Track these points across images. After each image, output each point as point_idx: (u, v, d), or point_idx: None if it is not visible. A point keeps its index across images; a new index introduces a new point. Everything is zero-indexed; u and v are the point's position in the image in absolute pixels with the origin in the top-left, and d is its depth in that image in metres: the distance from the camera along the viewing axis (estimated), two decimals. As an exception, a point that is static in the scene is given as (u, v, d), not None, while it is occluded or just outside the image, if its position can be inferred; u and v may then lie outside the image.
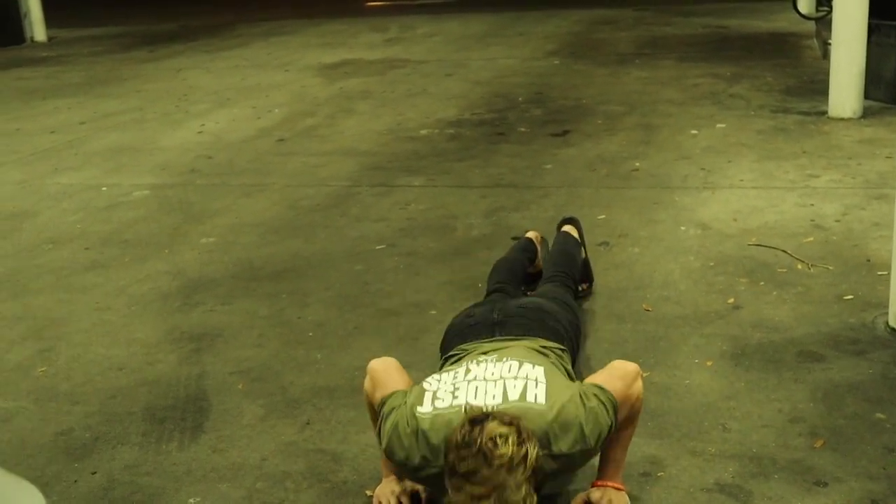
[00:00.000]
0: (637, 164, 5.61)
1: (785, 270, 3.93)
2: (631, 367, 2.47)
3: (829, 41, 6.64)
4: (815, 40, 9.44)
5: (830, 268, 3.93)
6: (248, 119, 7.57)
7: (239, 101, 8.39)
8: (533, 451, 2.08)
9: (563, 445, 2.24)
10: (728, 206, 4.76)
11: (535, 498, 2.10)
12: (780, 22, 11.09)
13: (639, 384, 2.44)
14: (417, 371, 3.09)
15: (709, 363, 3.20)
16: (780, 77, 7.90)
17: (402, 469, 2.38)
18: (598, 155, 5.86)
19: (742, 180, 5.16)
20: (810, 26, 10.13)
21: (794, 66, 8.39)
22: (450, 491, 2.10)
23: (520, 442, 2.06)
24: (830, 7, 7.59)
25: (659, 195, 5.00)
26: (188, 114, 7.93)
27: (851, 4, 6.17)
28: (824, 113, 6.48)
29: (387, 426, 2.33)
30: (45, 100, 9.04)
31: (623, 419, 2.40)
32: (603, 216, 4.71)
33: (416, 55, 10.44)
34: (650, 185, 5.18)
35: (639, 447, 2.71)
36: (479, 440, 2.04)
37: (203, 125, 7.43)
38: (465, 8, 14.77)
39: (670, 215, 4.68)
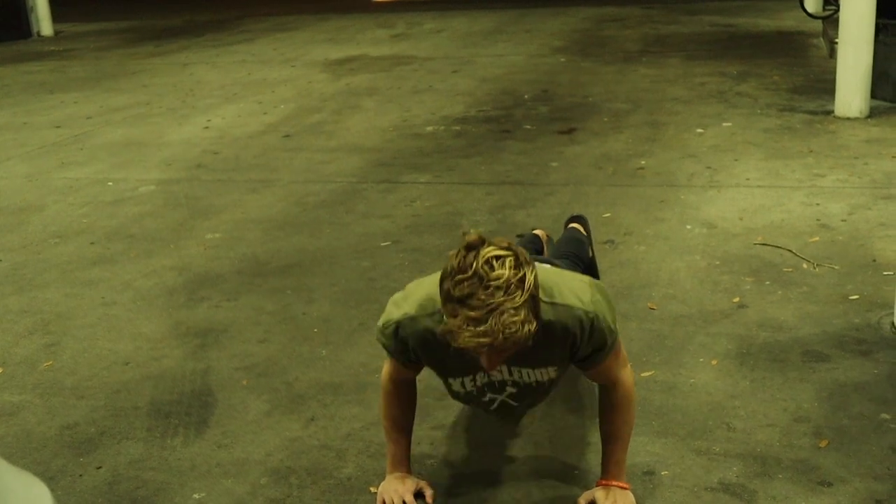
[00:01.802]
0: (643, 162, 5.61)
1: (791, 270, 3.92)
2: (624, 353, 2.46)
3: (836, 40, 6.63)
4: (821, 39, 9.42)
5: (836, 267, 3.92)
6: (254, 114, 7.57)
7: (245, 96, 8.40)
8: (531, 275, 1.99)
9: (565, 298, 2.20)
10: (734, 204, 4.75)
11: (535, 325, 2.01)
12: (787, 21, 11.07)
13: (629, 371, 2.43)
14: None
15: (714, 362, 3.19)
16: (787, 76, 7.89)
17: (398, 332, 2.29)
18: (604, 153, 5.85)
19: (748, 179, 5.16)
20: (817, 25, 10.11)
21: (801, 64, 8.38)
22: (445, 317, 2.01)
23: (517, 265, 1.98)
24: (837, 6, 7.57)
25: (665, 193, 5.00)
26: (194, 109, 7.94)
27: (859, 3, 6.16)
28: (831, 112, 6.47)
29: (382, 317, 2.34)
30: (52, 94, 9.06)
31: (621, 414, 2.40)
32: (608, 214, 4.71)
33: (423, 51, 10.44)
34: (656, 184, 5.18)
35: (643, 446, 2.71)
36: (474, 263, 1.96)
37: (209, 120, 7.44)
38: (472, 4, 14.76)
39: (676, 214, 4.68)
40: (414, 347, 2.31)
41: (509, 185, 5.32)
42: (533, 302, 2.01)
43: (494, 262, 1.96)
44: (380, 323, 2.35)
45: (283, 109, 7.72)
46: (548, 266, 2.40)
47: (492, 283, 1.94)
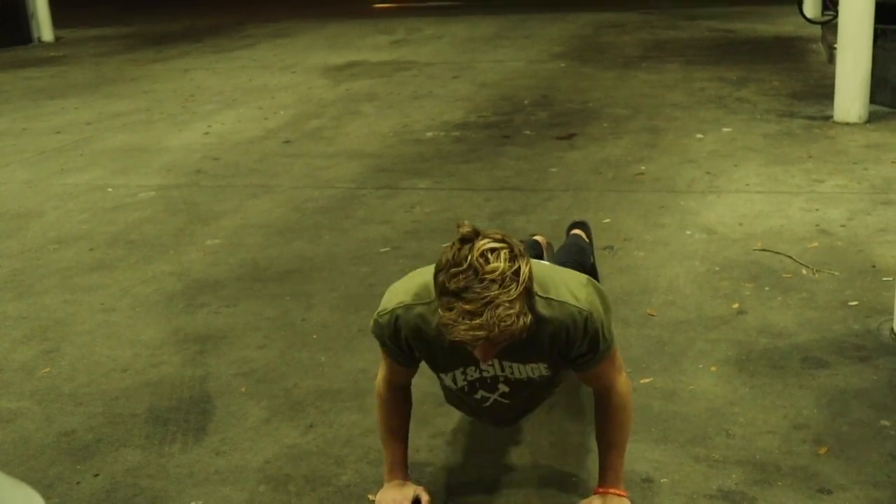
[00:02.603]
0: (642, 167, 5.60)
1: (790, 276, 3.92)
2: (620, 359, 2.46)
3: (835, 45, 6.63)
4: (821, 44, 9.42)
5: (836, 273, 3.92)
6: (255, 120, 7.57)
7: (245, 102, 8.40)
8: (525, 267, 2.00)
9: (560, 294, 2.21)
10: (734, 210, 4.75)
11: (530, 318, 2.02)
12: (786, 26, 11.07)
13: (625, 378, 2.42)
14: (420, 373, 3.08)
15: (713, 368, 3.19)
16: (787, 81, 7.89)
17: (393, 321, 2.30)
18: (604, 158, 5.85)
19: (748, 185, 5.15)
20: (816, 30, 10.12)
21: (800, 70, 8.38)
22: (440, 311, 2.02)
23: (511, 258, 1.98)
24: (836, 11, 7.57)
25: (664, 199, 4.99)
26: (195, 114, 7.94)
27: (857, 9, 6.16)
28: (830, 117, 6.47)
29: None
30: (52, 99, 9.06)
31: (616, 421, 2.40)
32: (608, 220, 4.71)
33: (423, 57, 10.45)
34: (655, 189, 5.17)
35: (642, 452, 2.70)
36: (469, 256, 1.97)
37: (209, 126, 7.44)
38: (472, 10, 14.78)
39: (675, 219, 4.67)
40: (407, 336, 2.32)
41: (509, 191, 5.32)
42: (528, 294, 2.01)
43: (489, 254, 1.96)
44: (376, 312, 2.35)
45: (283, 115, 7.72)
46: (545, 263, 2.40)
47: (487, 275, 1.95)
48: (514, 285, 1.96)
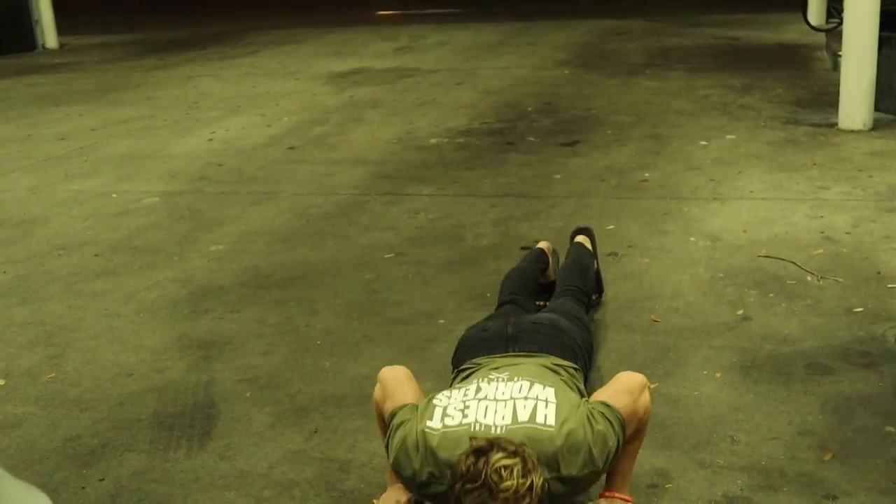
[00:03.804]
0: (646, 174, 5.60)
1: (794, 282, 3.92)
2: (638, 379, 2.46)
3: (840, 53, 6.64)
4: (825, 52, 9.43)
5: (840, 280, 3.91)
6: (258, 127, 7.59)
7: (249, 108, 8.41)
8: (539, 480, 2.07)
9: (571, 469, 2.24)
10: (738, 217, 4.75)
11: None
12: (791, 33, 11.08)
13: (646, 396, 2.43)
14: (425, 380, 3.09)
15: (718, 375, 3.19)
16: (791, 88, 7.89)
17: (409, 485, 2.36)
18: (608, 165, 5.86)
19: (752, 192, 5.15)
20: (821, 38, 10.12)
21: (805, 77, 8.38)
22: None
23: (525, 473, 2.05)
24: (841, 19, 7.58)
25: (668, 206, 4.99)
26: (198, 121, 7.95)
27: (862, 16, 6.17)
28: (835, 125, 6.47)
29: (395, 440, 2.33)
30: (57, 106, 9.08)
31: (631, 432, 2.39)
32: (612, 226, 4.71)
33: (427, 64, 10.46)
34: (659, 196, 5.18)
35: (647, 458, 2.70)
36: (483, 472, 2.03)
37: (213, 133, 7.45)
38: (476, 17, 14.80)
39: (679, 226, 4.67)
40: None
41: (513, 198, 5.32)
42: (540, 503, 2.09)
43: (503, 471, 2.04)
44: (390, 459, 2.36)
45: (287, 122, 7.73)
46: (553, 423, 2.31)
47: (501, 493, 2.03)
48: (527, 499, 2.05)
